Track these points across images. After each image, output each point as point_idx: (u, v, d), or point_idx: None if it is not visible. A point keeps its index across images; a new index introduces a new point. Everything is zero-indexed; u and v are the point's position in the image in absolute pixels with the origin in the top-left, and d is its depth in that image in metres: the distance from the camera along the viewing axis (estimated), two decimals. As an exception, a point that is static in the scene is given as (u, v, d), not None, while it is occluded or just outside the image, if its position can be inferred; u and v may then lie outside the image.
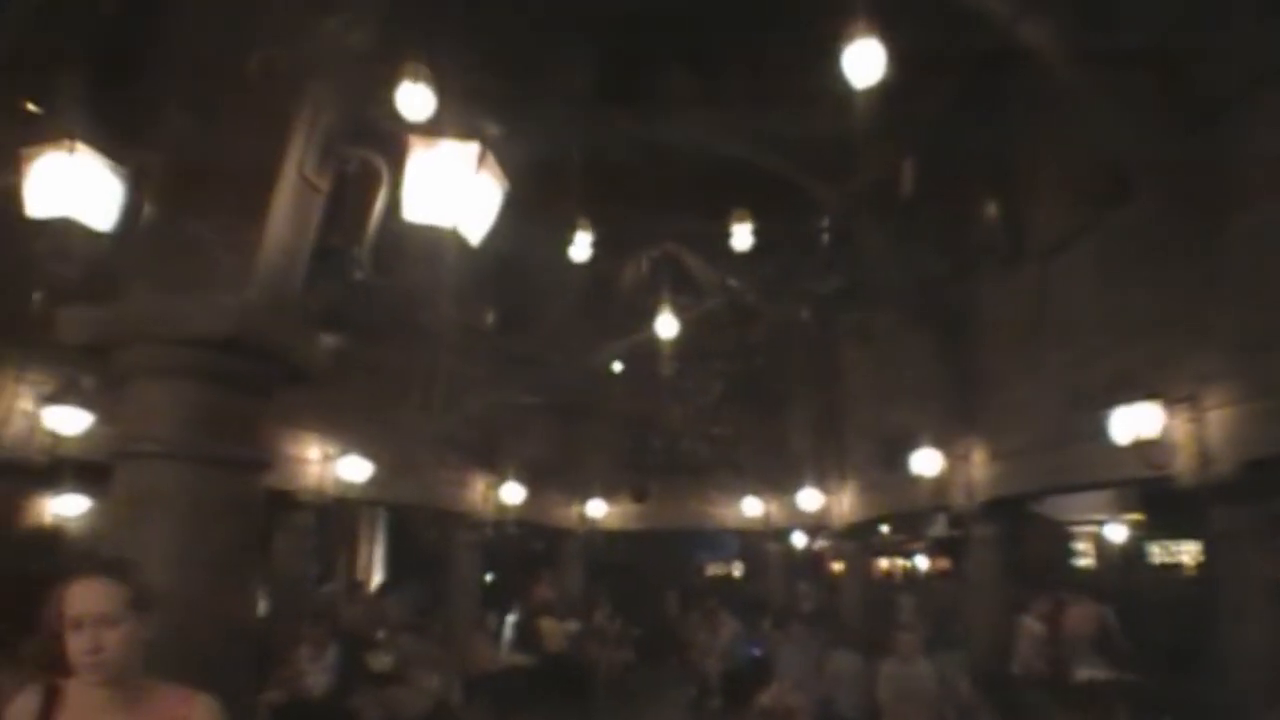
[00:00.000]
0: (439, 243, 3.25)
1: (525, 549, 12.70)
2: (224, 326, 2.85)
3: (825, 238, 8.08)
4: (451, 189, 2.94)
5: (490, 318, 9.49)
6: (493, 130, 2.87)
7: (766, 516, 12.28)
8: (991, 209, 7.49)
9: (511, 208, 3.17)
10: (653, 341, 8.59)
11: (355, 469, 8.12)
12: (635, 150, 7.43)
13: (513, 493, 10.65)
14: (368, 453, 8.19)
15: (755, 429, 11.88)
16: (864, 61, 4.08)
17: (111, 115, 3.07)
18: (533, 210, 6.52)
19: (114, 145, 3.01)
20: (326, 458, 8.05)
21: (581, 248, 6.92)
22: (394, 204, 3.11)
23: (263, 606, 7.08)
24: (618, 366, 10.57)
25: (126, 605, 1.80)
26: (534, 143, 6.12)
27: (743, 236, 7.00)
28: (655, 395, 11.02)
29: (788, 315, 9.69)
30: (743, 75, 6.72)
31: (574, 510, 12.32)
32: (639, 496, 12.07)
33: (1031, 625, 6.60)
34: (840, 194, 7.66)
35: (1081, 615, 6.13)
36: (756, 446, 11.97)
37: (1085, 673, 5.83)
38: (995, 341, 7.90)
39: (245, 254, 3.00)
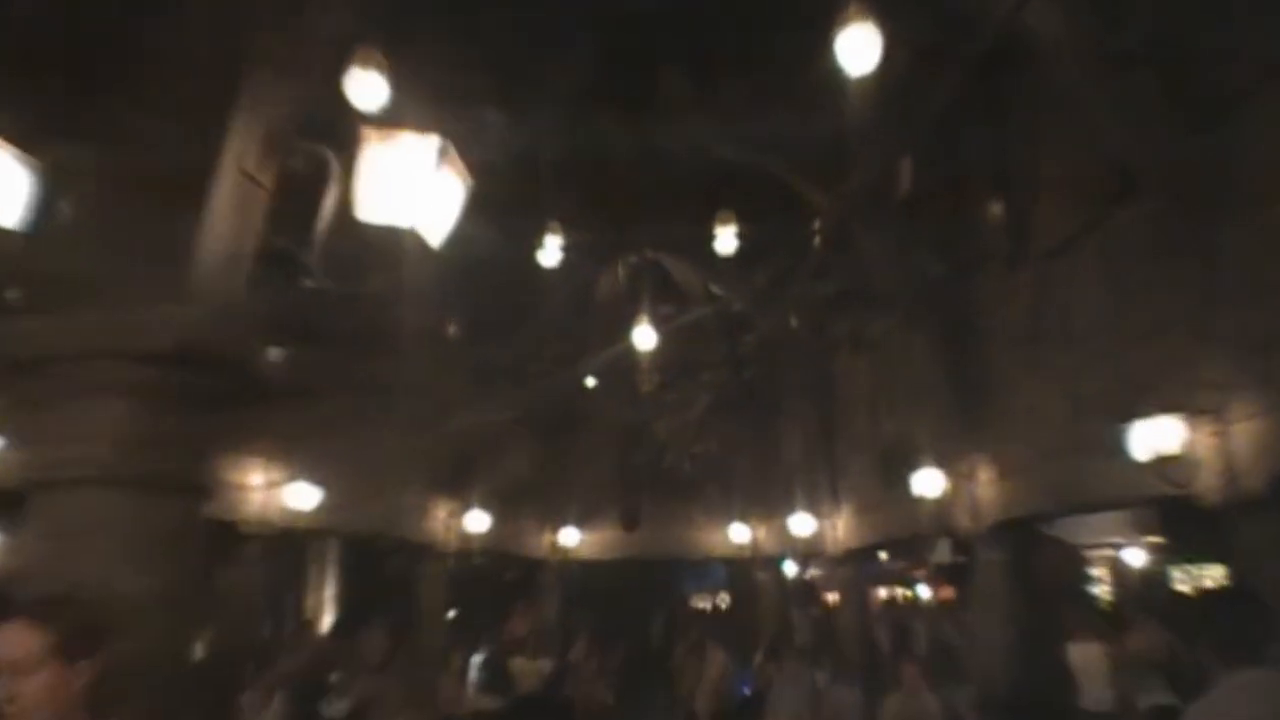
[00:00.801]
0: (397, 245, 3.22)
1: (495, 580, 12.68)
2: (163, 339, 2.78)
3: (818, 241, 8.09)
4: (409, 186, 2.93)
5: (458, 328, 9.51)
6: (491, 119, 2.86)
7: (755, 543, 12.29)
8: (993, 209, 7.58)
9: (484, 209, 3.16)
10: (632, 354, 8.62)
11: (303, 496, 8.04)
12: (617, 150, 7.46)
13: (481, 519, 10.65)
14: (319, 478, 8.14)
15: (744, 446, 11.91)
16: (859, 47, 4.10)
17: (29, 107, 3.01)
18: (508, 212, 6.67)
19: (29, 139, 2.93)
20: (272, 484, 7.99)
21: (551, 252, 6.93)
22: (347, 203, 3.10)
23: (203, 650, 6.95)
24: (593, 381, 10.52)
25: (47, 651, 1.73)
26: (511, 140, 6.13)
27: (727, 240, 7.04)
28: (636, 411, 11.04)
29: (778, 324, 9.73)
30: (733, 72, 6.79)
31: (548, 538, 12.29)
32: (630, 523, 12.06)
33: (1087, 651, 6.56)
34: (834, 195, 7.70)
35: (1147, 639, 6.09)
36: (745, 465, 12.00)
37: (1152, 700, 5.78)
38: (1000, 349, 7.96)
39: (183, 258, 2.94)
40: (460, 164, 3.04)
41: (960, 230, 7.77)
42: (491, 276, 8.31)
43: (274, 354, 3.42)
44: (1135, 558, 11.55)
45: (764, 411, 11.59)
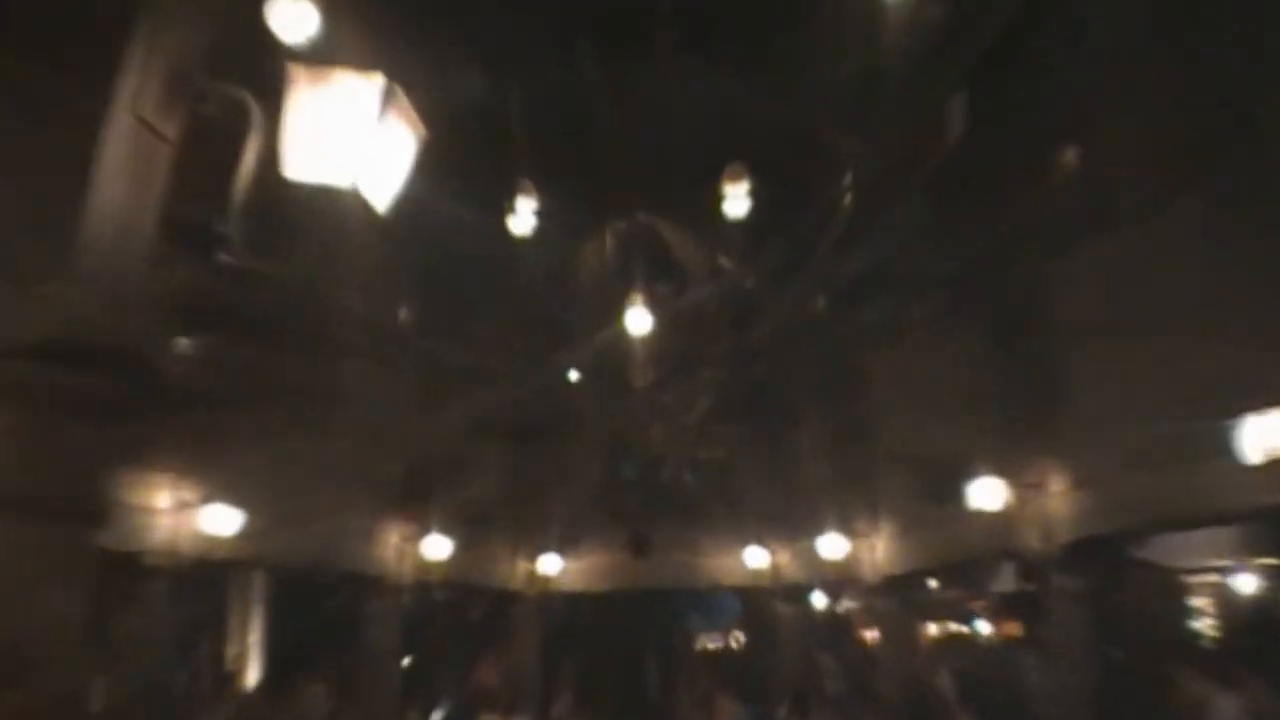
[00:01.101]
0: (334, 212, 3.20)
1: (459, 620, 12.70)
2: (41, 329, 2.74)
3: (847, 205, 8.07)
4: (347, 139, 2.91)
5: (411, 314, 9.45)
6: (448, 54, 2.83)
7: (775, 569, 12.32)
8: (1065, 166, 7.55)
9: (441, 166, 3.14)
10: (623, 343, 8.66)
11: (222, 520, 8.05)
12: (602, 95, 7.43)
13: (441, 545, 10.70)
14: (240, 498, 8.13)
15: (758, 454, 11.88)
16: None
17: None
18: (470, 171, 6.60)
19: None
20: (183, 506, 7.98)
21: (524, 218, 6.93)
22: (271, 160, 3.07)
23: (100, 709, 6.93)
24: (575, 376, 10.51)
25: None
26: (473, 82, 6.09)
27: (737, 201, 7.03)
28: (628, 412, 11.04)
29: (800, 306, 9.69)
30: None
31: (524, 566, 12.33)
32: (639, 547, 12.11)
33: (1188, 701, 6.56)
34: (867, 148, 7.67)
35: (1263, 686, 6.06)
36: (760, 477, 11.96)
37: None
38: (1073, 334, 7.95)
39: (65, 229, 2.89)
40: (410, 111, 3.02)
41: (1024, 192, 7.72)
42: (451, 250, 8.33)
43: (182, 348, 3.40)
44: (1246, 584, 11.49)
45: (784, 412, 11.51)
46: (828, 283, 9.26)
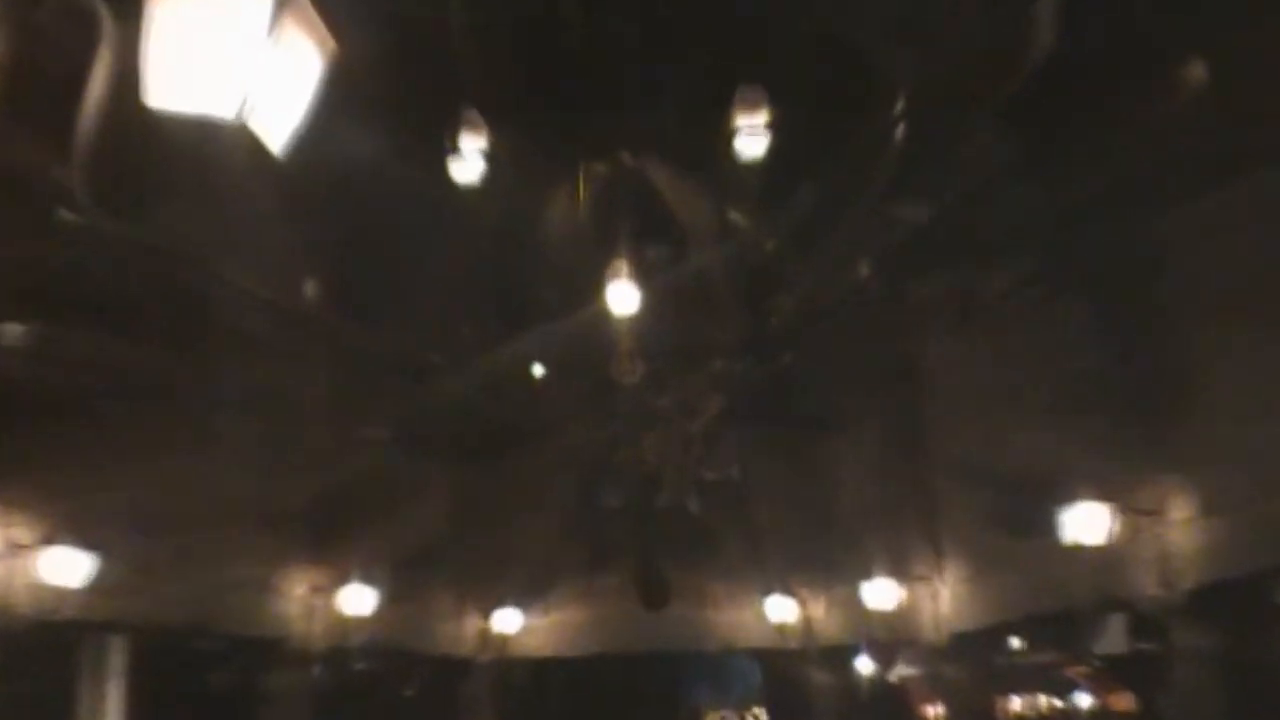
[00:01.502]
0: (211, 153, 3.19)
1: (388, 698, 12.67)
2: None
3: (899, 141, 8.03)
4: (227, 58, 2.89)
5: (320, 291, 9.35)
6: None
7: (806, 624, 12.34)
8: (1191, 87, 7.52)
9: (358, 95, 3.14)
10: (604, 327, 8.65)
11: (68, 567, 8.05)
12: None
13: (364, 598, 10.73)
14: (93, 539, 8.12)
15: (783, 473, 11.91)
16: None
17: None
18: (398, 100, 6.63)
19: None
20: (16, 549, 7.97)
21: (470, 162, 6.97)
22: (129, 86, 3.05)
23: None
24: (540, 371, 10.50)
25: None
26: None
27: (752, 137, 7.04)
28: (612, 418, 10.96)
29: (834, 277, 9.72)
30: None
31: (475, 625, 12.35)
32: (653, 596, 12.01)
33: None
34: (925, 64, 7.68)
35: None
36: (786, 502, 12.00)
37: None
38: (1200, 313, 7.98)
39: None
40: (313, 20, 2.99)
41: (1135, 123, 7.71)
42: (372, 205, 8.24)
43: (10, 337, 3.40)
44: None
45: (816, 417, 11.47)
46: (873, 245, 9.23)
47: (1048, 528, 8.66)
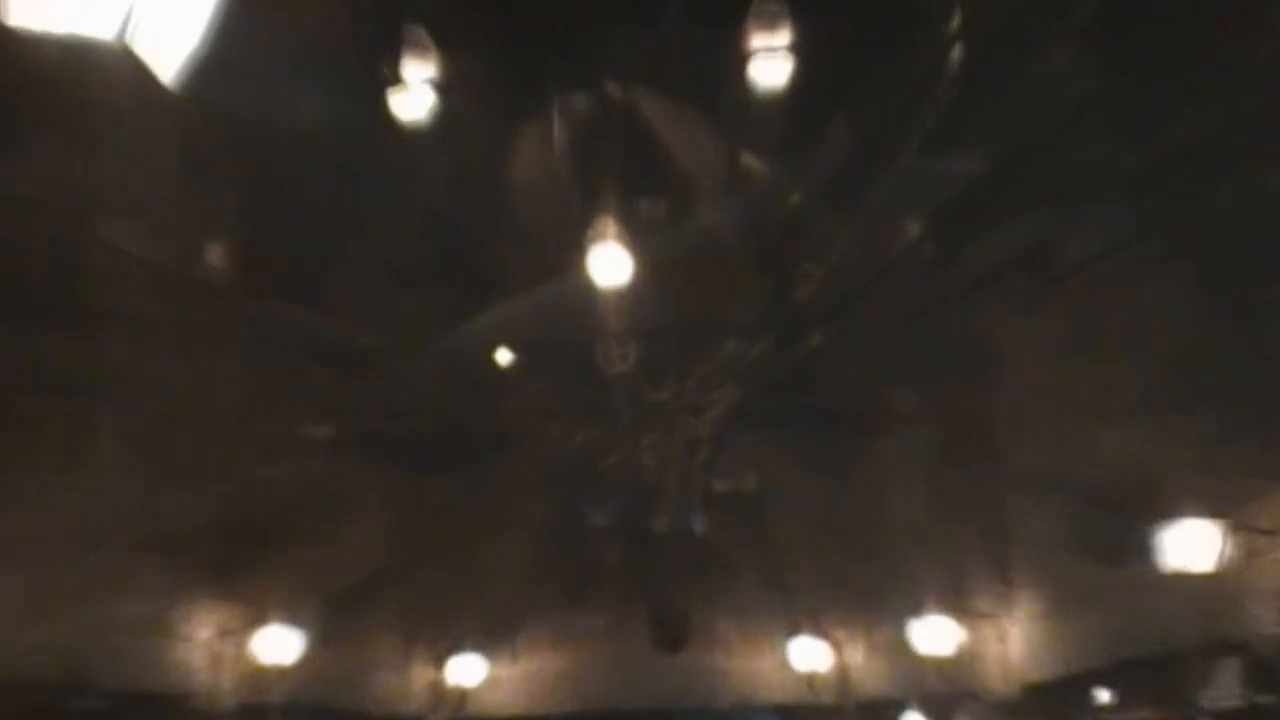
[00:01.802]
0: (89, 83, 3.17)
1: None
2: None
3: (955, 67, 7.98)
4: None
5: (233, 261, 9.38)
6: None
7: (841, 674, 12.35)
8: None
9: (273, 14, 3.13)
10: (585, 301, 8.58)
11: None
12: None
13: (286, 643, 10.69)
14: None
15: (810, 484, 11.86)
16: None
17: None
18: (323, 20, 6.68)
19: None
20: None
21: (415, 93, 7.10)
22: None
23: None
24: (506, 357, 10.49)
25: None
26: None
27: (773, 60, 7.07)
28: (598, 416, 10.97)
29: (875, 238, 9.63)
30: None
31: (425, 675, 12.37)
32: (670, 636, 11.99)
33: None
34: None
35: None
36: (814, 521, 11.98)
37: None
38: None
39: None
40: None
41: (1259, 44, 7.69)
42: (292, 148, 8.24)
43: None
44: None
45: (849, 414, 11.41)
46: (924, 199, 9.20)
47: (1143, 551, 8.70)
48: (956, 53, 7.91)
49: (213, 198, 8.56)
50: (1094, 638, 10.47)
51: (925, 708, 12.89)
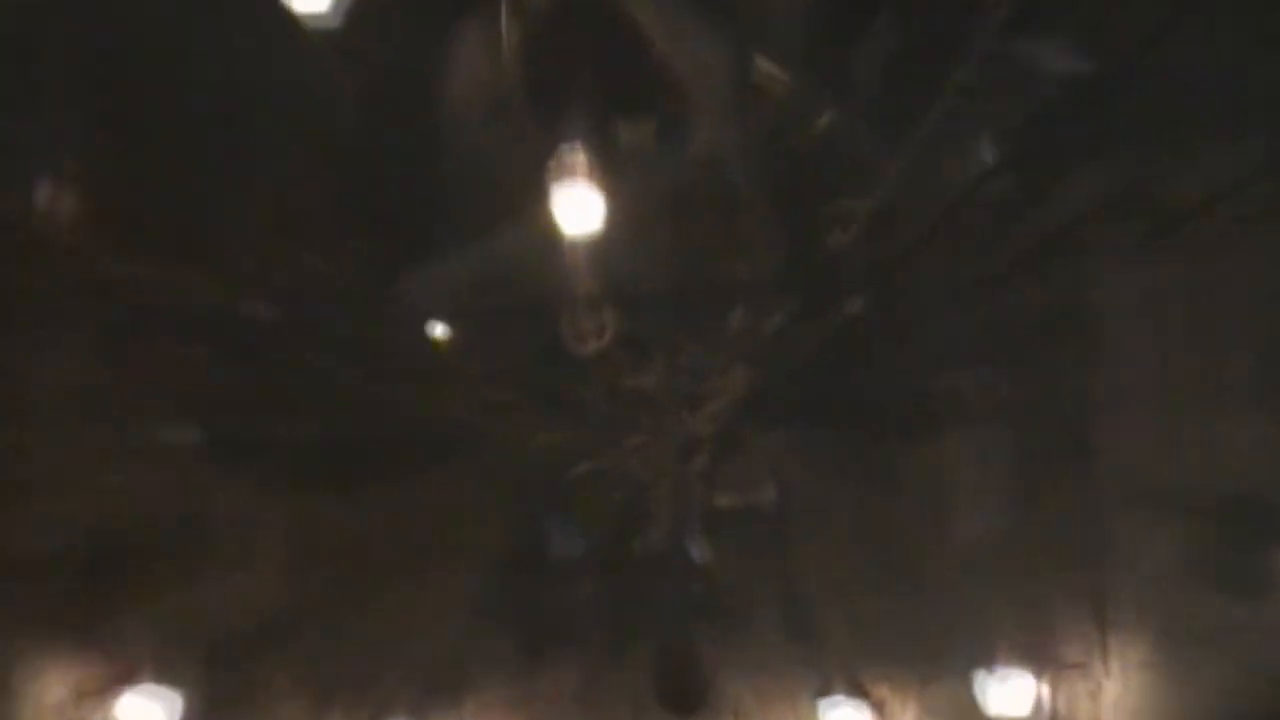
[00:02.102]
0: None
1: None
2: None
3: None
4: None
5: (90, 208, 9.39)
6: None
7: (892, 741, 12.13)
8: None
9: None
10: (547, 256, 8.41)
11: None
12: None
13: (159, 707, 10.40)
14: None
15: (843, 497, 11.67)
16: None
17: None
18: None
19: None
20: None
21: None
22: None
23: None
24: (443, 332, 10.22)
25: None
26: None
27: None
28: (563, 410, 10.80)
29: (932, 173, 9.44)
30: None
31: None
32: (684, 701, 11.79)
33: None
34: None
35: None
36: (849, 545, 11.77)
37: None
38: None
39: None
40: None
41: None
42: (171, 62, 8.43)
43: None
44: None
45: (894, 405, 11.28)
46: (995, 122, 9.23)
47: (1275, 582, 8.39)
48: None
49: (48, 131, 8.63)
50: (1209, 690, 10.21)
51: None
